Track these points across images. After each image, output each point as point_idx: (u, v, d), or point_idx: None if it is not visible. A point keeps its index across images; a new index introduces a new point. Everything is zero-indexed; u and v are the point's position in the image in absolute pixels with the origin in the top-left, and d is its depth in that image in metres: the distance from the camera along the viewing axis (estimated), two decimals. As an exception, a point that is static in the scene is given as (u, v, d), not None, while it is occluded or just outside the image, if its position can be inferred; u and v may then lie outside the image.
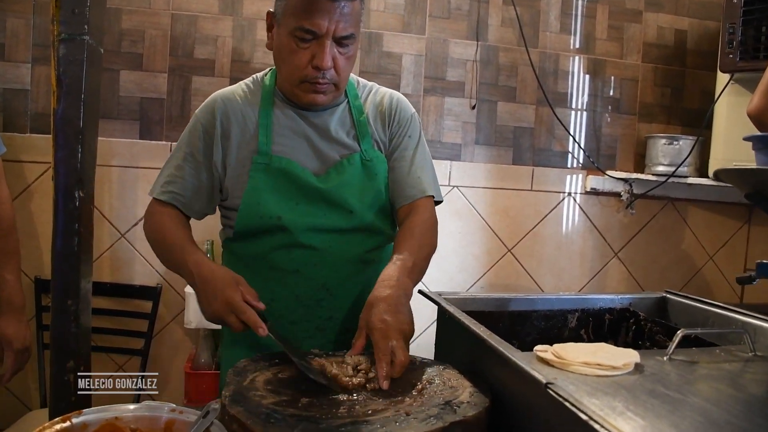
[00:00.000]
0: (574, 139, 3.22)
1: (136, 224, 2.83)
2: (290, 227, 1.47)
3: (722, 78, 2.88)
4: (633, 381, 0.87)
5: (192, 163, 1.53)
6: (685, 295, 1.53)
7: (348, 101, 1.60)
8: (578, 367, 0.88)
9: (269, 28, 1.52)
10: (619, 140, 3.31)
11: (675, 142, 3.04)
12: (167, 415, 1.02)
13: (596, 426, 0.69)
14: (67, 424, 0.96)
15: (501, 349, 0.98)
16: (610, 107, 3.29)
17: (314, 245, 1.48)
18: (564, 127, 3.19)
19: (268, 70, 1.65)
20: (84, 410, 1.00)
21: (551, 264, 3.26)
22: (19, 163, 2.70)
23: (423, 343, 2.57)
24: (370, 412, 0.95)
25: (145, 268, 2.85)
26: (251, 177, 1.48)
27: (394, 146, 1.60)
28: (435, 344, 1.42)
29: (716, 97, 2.89)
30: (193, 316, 2.52)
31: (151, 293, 2.79)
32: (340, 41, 1.41)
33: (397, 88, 3.00)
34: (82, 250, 1.14)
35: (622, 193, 3.23)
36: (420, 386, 1.07)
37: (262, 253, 1.52)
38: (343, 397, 1.02)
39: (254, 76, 1.65)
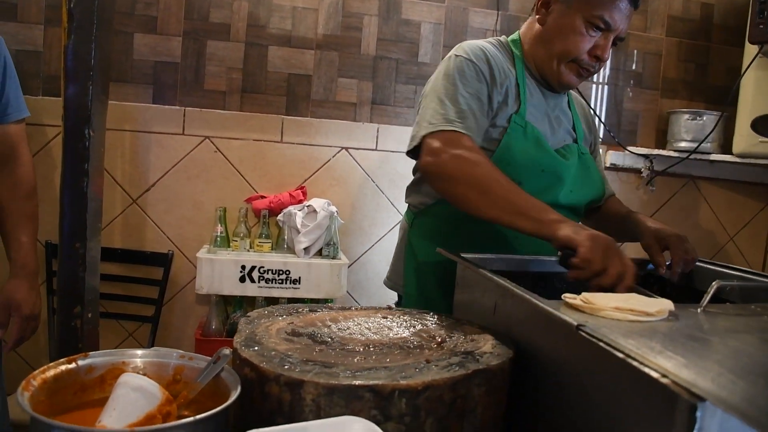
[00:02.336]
0: (595, 113, 3.14)
1: (148, 190, 2.80)
2: None
3: (750, 52, 2.80)
4: (668, 327, 0.82)
5: (477, 104, 1.45)
6: (713, 261, 1.48)
7: (567, 94, 1.71)
8: (610, 312, 0.83)
9: (545, 4, 1.55)
10: (640, 116, 3.23)
11: (698, 118, 2.97)
12: (176, 362, 0.98)
13: (634, 363, 0.64)
14: (73, 365, 0.93)
15: (527, 296, 0.93)
16: (632, 81, 3.21)
17: None
18: (585, 100, 3.11)
19: (498, 37, 1.65)
20: (90, 353, 0.96)
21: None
22: (30, 125, 2.67)
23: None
24: (388, 360, 0.91)
25: (156, 234, 2.82)
26: (507, 134, 1.48)
27: (591, 147, 1.76)
28: (453, 307, 1.37)
29: (743, 70, 2.81)
30: (205, 281, 2.49)
31: (162, 260, 2.76)
32: (615, 41, 1.51)
33: (415, 56, 2.95)
34: (91, 192, 1.09)
35: (642, 170, 3.16)
36: (440, 339, 1.03)
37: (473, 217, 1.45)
38: (359, 347, 0.98)
39: (493, 39, 1.63)
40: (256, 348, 0.92)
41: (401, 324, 1.12)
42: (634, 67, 3.21)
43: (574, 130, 1.68)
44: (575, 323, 0.77)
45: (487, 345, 0.98)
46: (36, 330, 1.74)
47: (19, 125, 1.74)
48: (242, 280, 2.52)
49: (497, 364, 0.90)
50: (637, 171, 3.19)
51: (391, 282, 1.73)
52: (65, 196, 1.08)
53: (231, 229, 2.75)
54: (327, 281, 2.57)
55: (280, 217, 2.75)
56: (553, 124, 1.61)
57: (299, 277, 2.55)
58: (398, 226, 2.92)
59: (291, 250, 2.70)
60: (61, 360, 0.92)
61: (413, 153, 1.48)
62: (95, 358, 0.95)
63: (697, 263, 1.46)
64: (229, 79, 2.84)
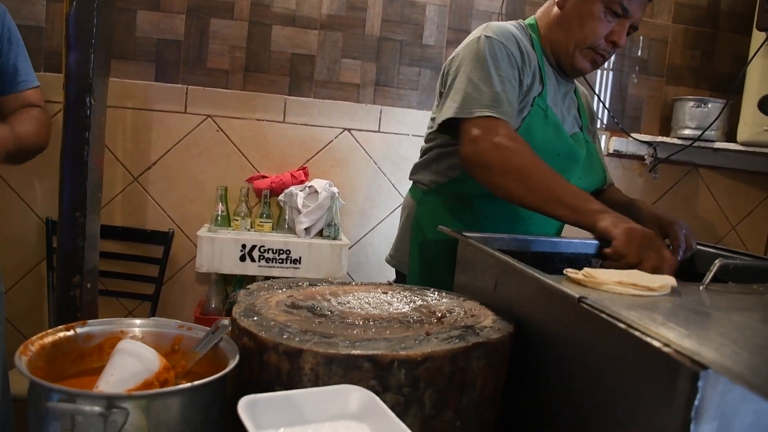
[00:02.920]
0: (599, 99, 3.13)
1: (149, 168, 2.79)
2: None
3: (757, 39, 2.78)
4: (670, 301, 0.81)
5: (511, 88, 1.44)
6: (714, 245, 1.47)
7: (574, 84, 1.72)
8: (612, 286, 0.83)
9: None
10: (645, 102, 3.22)
11: (703, 105, 2.95)
12: (175, 332, 0.98)
13: (636, 334, 0.64)
14: (71, 333, 0.92)
15: (528, 270, 0.92)
16: (637, 68, 3.20)
17: None
18: (589, 86, 3.10)
19: (515, 22, 1.64)
20: (89, 321, 0.95)
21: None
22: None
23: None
24: (387, 333, 0.90)
25: (157, 212, 2.82)
26: (530, 116, 1.48)
27: (592, 136, 1.76)
28: (453, 286, 1.36)
29: (750, 58, 2.79)
30: (205, 259, 2.48)
31: (163, 238, 2.76)
32: (630, 29, 1.52)
33: (419, 38, 2.93)
34: (91, 161, 1.09)
35: (645, 157, 3.15)
36: (440, 314, 1.02)
37: (493, 195, 1.44)
38: (358, 321, 0.97)
39: (513, 22, 1.62)
40: (255, 318, 0.92)
41: (401, 299, 1.11)
42: (639, 53, 3.19)
43: (580, 118, 1.68)
44: (577, 296, 0.77)
45: (487, 320, 0.98)
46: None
47: (35, 91, 1.70)
48: (242, 259, 2.52)
49: (498, 337, 0.89)
50: (641, 158, 3.18)
51: (394, 260, 1.73)
52: (65, 165, 1.07)
53: (232, 209, 2.74)
54: (327, 261, 2.57)
55: (281, 197, 2.74)
56: (564, 111, 1.61)
57: (299, 257, 2.55)
58: (399, 209, 2.92)
59: (292, 230, 2.70)
60: (60, 327, 0.92)
61: (440, 129, 1.48)
62: (93, 327, 0.95)
63: (699, 247, 1.45)
64: (232, 57, 2.83)
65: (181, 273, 2.86)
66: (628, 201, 1.66)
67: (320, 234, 2.68)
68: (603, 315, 0.70)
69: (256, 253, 2.52)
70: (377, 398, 0.71)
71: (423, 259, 1.61)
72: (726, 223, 3.36)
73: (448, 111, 1.42)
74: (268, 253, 2.53)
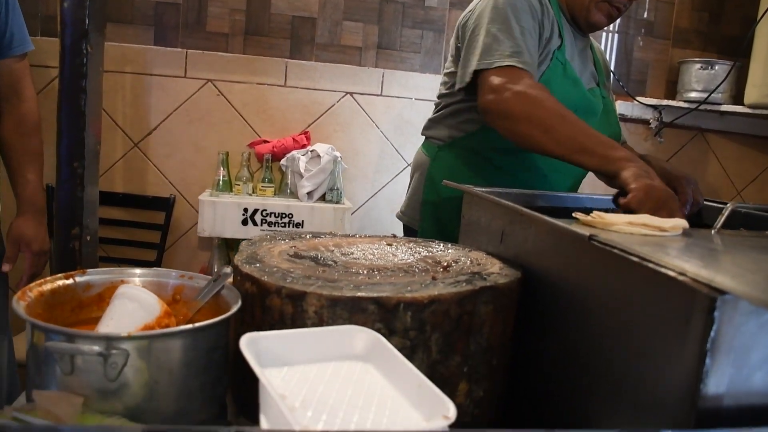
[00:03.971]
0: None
1: (149, 134, 2.77)
2: None
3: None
4: (683, 241, 0.79)
5: (531, 39, 1.41)
6: (722, 201, 1.45)
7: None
8: (622, 227, 0.81)
9: None
10: (650, 66, 3.17)
11: (710, 67, 2.91)
12: (175, 281, 0.96)
13: (650, 265, 0.62)
14: (70, 281, 0.90)
15: (536, 214, 0.90)
16: (643, 30, 3.15)
17: None
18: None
19: None
20: (88, 270, 0.94)
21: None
22: (43, 67, 2.62)
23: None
24: (393, 279, 0.88)
25: (158, 178, 2.79)
26: (549, 70, 1.46)
27: (608, 93, 1.71)
28: (459, 241, 1.35)
29: (759, 17, 2.74)
30: (207, 223, 2.47)
31: (164, 204, 2.74)
32: None
33: (422, 0, 2.88)
34: (89, 111, 1.06)
35: (650, 121, 3.12)
36: (445, 264, 1.00)
37: (512, 150, 1.43)
38: (363, 270, 0.95)
39: None
40: (258, 265, 0.90)
41: (406, 251, 1.09)
42: (645, 15, 3.14)
43: (597, 74, 1.65)
44: (587, 234, 0.75)
45: (494, 267, 0.96)
46: (45, 264, 1.73)
47: (23, 60, 1.70)
48: (244, 223, 2.50)
49: (505, 282, 0.88)
50: (646, 122, 3.14)
51: (406, 216, 1.71)
52: (63, 115, 1.05)
53: (233, 174, 2.72)
54: (330, 225, 2.55)
55: (283, 161, 2.72)
56: (581, 66, 1.58)
57: (302, 221, 2.53)
58: (402, 174, 2.90)
59: (294, 194, 2.67)
60: (59, 275, 0.90)
61: (466, 89, 1.45)
62: (93, 276, 0.93)
63: (706, 203, 1.43)
64: (232, 21, 2.78)
65: (183, 239, 2.85)
66: (638, 156, 1.64)
67: (323, 198, 2.66)
68: (615, 250, 0.68)
69: (258, 217, 2.50)
70: (383, 339, 0.70)
71: (435, 215, 1.59)
72: (732, 188, 3.33)
73: (472, 63, 1.39)
74: (270, 217, 2.51)
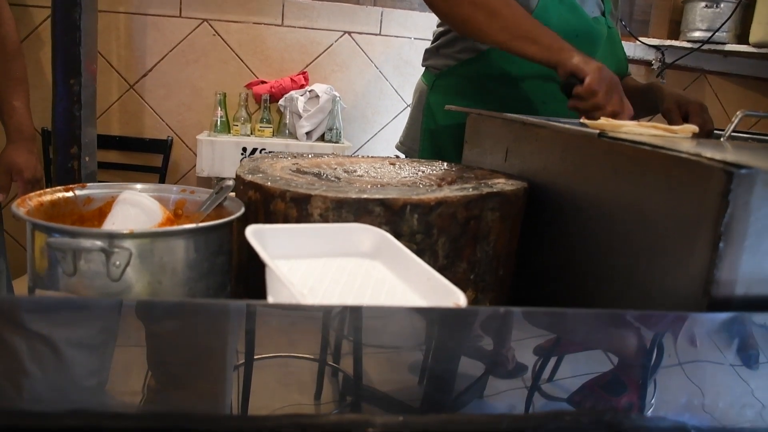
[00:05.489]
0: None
1: (145, 75, 2.73)
2: None
3: (774, -69, 2.67)
4: (694, 141, 0.78)
5: None
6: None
7: None
8: (632, 128, 0.79)
9: None
10: (653, 5, 3.11)
11: (715, 5, 2.86)
12: (177, 196, 0.95)
13: (662, 151, 0.60)
14: (70, 194, 0.89)
15: (544, 120, 0.89)
16: (646, -32, 3.09)
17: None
18: (597, -14, 3.00)
19: None
20: (88, 184, 0.92)
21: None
22: (22, 6, 2.57)
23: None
24: (397, 185, 0.87)
25: (154, 121, 2.76)
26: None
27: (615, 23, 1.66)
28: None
29: (765, -49, 2.69)
30: (206, 163, 2.45)
31: (162, 146, 2.71)
32: None
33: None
34: (84, 24, 1.03)
35: (653, 62, 3.07)
36: (450, 179, 0.99)
37: (510, 78, 1.41)
38: (367, 186, 0.94)
39: None
40: (261, 174, 0.88)
41: (410, 169, 1.08)
42: (649, -48, 3.07)
43: (603, 3, 1.61)
44: (596, 131, 0.73)
45: (500, 179, 0.95)
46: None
47: None
48: (243, 162, 2.48)
49: (512, 189, 0.87)
50: (648, 63, 3.10)
51: (404, 147, 1.70)
52: (57, 29, 1.02)
53: (231, 115, 2.69)
54: (330, 166, 2.53)
55: (281, 102, 2.68)
56: None
57: (301, 161, 2.51)
58: (402, 115, 2.87)
59: (293, 135, 2.65)
60: (58, 187, 0.88)
61: None
62: (93, 190, 0.91)
63: (716, 132, 1.42)
64: (227, -43, 2.72)
65: (182, 181, 2.83)
66: (647, 84, 1.62)
67: (322, 138, 2.64)
68: (626, 143, 0.67)
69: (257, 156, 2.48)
70: (390, 236, 0.69)
71: (434, 144, 1.58)
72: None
73: None
74: (269, 156, 2.49)
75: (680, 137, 0.79)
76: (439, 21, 1.60)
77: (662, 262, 0.64)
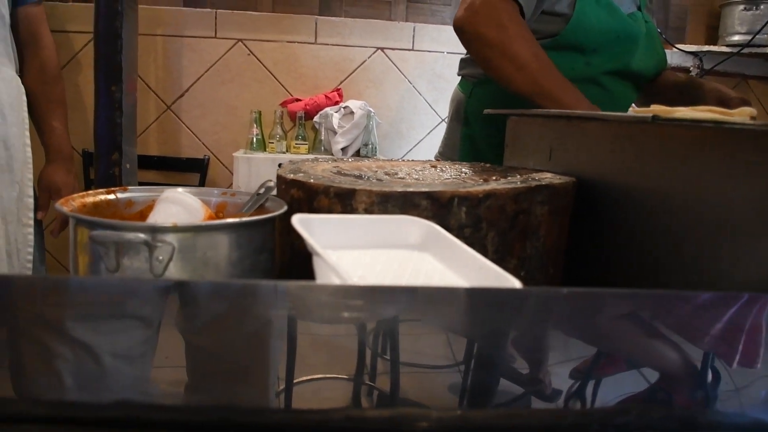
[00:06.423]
0: (640, 10, 2.99)
1: (182, 96, 2.76)
2: (595, 63, 1.39)
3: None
4: (752, 124, 0.74)
5: None
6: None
7: None
8: (686, 112, 0.76)
9: None
10: (689, 11, 3.07)
11: (755, 7, 2.80)
12: (218, 198, 0.94)
13: (726, 126, 0.57)
14: (112, 196, 0.88)
15: (590, 113, 0.86)
16: (681, -25, 3.05)
17: (608, 87, 1.42)
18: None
19: None
20: (130, 187, 0.92)
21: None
22: (63, 33, 2.62)
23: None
24: (438, 183, 0.85)
25: (191, 140, 2.79)
26: (580, 1, 1.37)
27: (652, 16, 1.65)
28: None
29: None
30: (242, 180, 2.46)
31: (199, 165, 2.73)
32: None
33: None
34: (125, 33, 1.03)
35: (691, 69, 3.01)
36: (495, 177, 0.96)
37: None
38: (410, 181, 0.92)
39: None
40: (302, 174, 0.87)
41: (452, 171, 1.05)
42: (684, -42, 3.03)
43: None
44: (650, 116, 0.70)
45: (547, 175, 0.92)
46: None
47: (39, 7, 1.70)
48: (280, 178, 2.48)
49: (561, 183, 0.84)
50: (686, 70, 3.04)
51: (444, 157, 1.68)
52: (100, 37, 1.03)
53: (266, 133, 2.70)
54: (366, 180, 2.52)
55: (316, 119, 2.69)
56: None
57: (337, 177, 2.50)
58: (437, 129, 2.85)
59: (328, 151, 2.65)
60: (100, 190, 0.88)
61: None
62: (134, 193, 0.91)
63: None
64: (260, -22, 2.75)
65: (218, 201, 2.84)
66: (687, 79, 1.58)
67: (357, 154, 2.63)
68: (685, 124, 0.64)
69: (293, 173, 2.48)
70: (438, 227, 0.66)
71: (473, 152, 1.56)
72: (777, 136, 3.22)
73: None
74: (305, 171, 2.48)
75: (738, 120, 0.76)
76: None
77: (733, 247, 0.60)
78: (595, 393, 0.54)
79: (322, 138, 2.67)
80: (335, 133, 2.57)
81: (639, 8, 1.56)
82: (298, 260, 0.85)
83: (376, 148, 2.63)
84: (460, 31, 1.31)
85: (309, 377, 0.48)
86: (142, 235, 0.63)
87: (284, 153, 2.63)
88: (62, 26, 2.62)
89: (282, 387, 0.48)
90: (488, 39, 1.26)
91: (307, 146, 2.65)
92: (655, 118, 0.69)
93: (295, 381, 0.48)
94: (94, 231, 0.65)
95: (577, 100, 1.21)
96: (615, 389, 0.53)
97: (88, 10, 2.61)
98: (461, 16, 1.30)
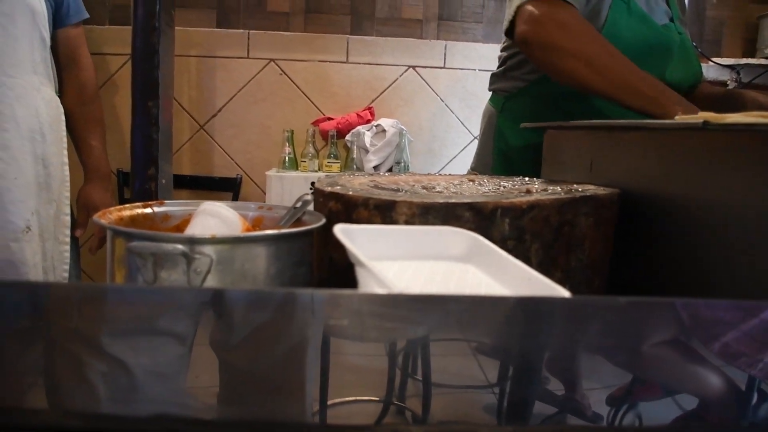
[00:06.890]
0: (672, 21, 2.95)
1: (215, 115, 2.78)
2: None
3: None
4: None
5: None
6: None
7: None
8: (737, 118, 0.73)
9: None
10: (725, 24, 3.02)
11: (793, 20, 2.75)
12: (255, 213, 0.93)
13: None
14: (149, 210, 0.88)
15: (634, 123, 0.84)
16: (716, -12, 3.00)
17: None
18: (665, 9, 2.92)
19: None
20: (166, 201, 0.91)
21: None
22: (100, 55, 2.66)
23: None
24: (478, 195, 0.83)
25: (224, 159, 2.80)
26: (612, 10, 1.36)
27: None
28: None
29: None
30: (275, 199, 2.46)
31: (231, 184, 2.75)
32: None
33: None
34: (162, 48, 1.04)
35: (728, 82, 2.96)
36: (535, 190, 0.94)
37: (579, 94, 1.36)
38: (450, 194, 0.90)
39: None
40: (340, 187, 0.86)
41: (491, 185, 1.03)
42: (718, -29, 2.99)
43: (670, 9, 1.55)
44: (701, 122, 0.68)
45: (589, 187, 0.89)
46: None
47: (78, 29, 1.73)
48: (312, 196, 2.48)
49: (605, 194, 0.81)
50: (723, 84, 2.99)
51: (476, 172, 1.66)
52: (137, 53, 1.03)
53: (299, 152, 2.70)
54: (398, 198, 2.51)
55: (348, 137, 2.69)
56: (651, 3, 1.49)
57: (370, 194, 2.49)
58: (469, 146, 2.83)
59: (360, 169, 2.64)
60: (137, 204, 0.88)
61: (510, 32, 1.38)
62: (171, 207, 0.91)
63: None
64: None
65: (251, 220, 2.85)
66: (724, 91, 1.54)
67: (390, 171, 2.62)
68: (739, 129, 0.61)
69: (325, 191, 2.48)
70: (483, 238, 0.64)
71: (507, 167, 1.53)
72: (818, 151, 3.14)
73: (510, 12, 1.31)
74: (337, 190, 2.48)
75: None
76: (504, 45, 1.56)
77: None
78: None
79: (354, 156, 2.66)
80: (367, 151, 2.57)
81: (671, 20, 1.53)
82: (336, 274, 0.84)
83: (408, 165, 2.62)
84: (526, 43, 1.28)
85: (348, 399, 0.46)
86: (180, 247, 0.62)
87: (316, 171, 2.63)
88: (99, 48, 2.66)
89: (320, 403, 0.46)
90: (557, 44, 1.21)
91: (339, 164, 2.65)
92: (706, 123, 0.67)
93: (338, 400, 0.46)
94: (131, 242, 0.64)
95: (664, 93, 1.16)
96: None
97: (124, 33, 2.66)
98: (524, 30, 1.27)
